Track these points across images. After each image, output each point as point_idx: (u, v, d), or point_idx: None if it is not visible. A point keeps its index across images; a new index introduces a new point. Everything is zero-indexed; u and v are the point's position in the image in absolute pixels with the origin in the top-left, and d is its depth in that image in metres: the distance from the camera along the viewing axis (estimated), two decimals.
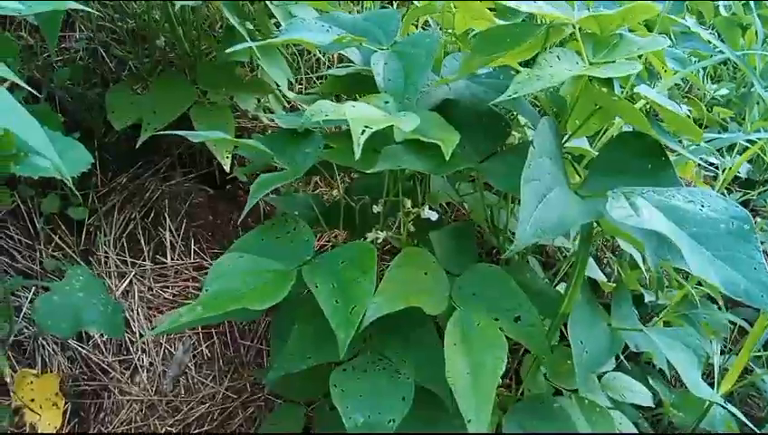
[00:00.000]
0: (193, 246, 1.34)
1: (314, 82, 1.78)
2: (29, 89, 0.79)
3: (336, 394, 0.78)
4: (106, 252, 1.23)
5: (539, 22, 0.92)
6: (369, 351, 0.85)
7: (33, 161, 0.76)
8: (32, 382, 0.94)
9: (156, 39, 1.35)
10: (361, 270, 0.79)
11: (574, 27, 0.79)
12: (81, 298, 0.88)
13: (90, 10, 0.88)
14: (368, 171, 0.77)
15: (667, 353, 0.80)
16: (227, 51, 0.88)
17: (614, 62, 0.77)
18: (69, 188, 1.22)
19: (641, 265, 1.27)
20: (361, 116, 0.74)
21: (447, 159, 0.74)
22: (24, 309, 1.05)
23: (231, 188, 1.47)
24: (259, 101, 1.47)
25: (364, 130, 0.70)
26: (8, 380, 0.86)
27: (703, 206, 0.73)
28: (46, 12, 0.91)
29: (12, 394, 0.87)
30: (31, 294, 1.08)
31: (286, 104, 1.53)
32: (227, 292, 0.77)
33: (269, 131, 1.62)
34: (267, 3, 1.30)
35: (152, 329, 1.14)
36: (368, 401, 0.77)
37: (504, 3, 0.78)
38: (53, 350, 1.03)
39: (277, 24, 1.51)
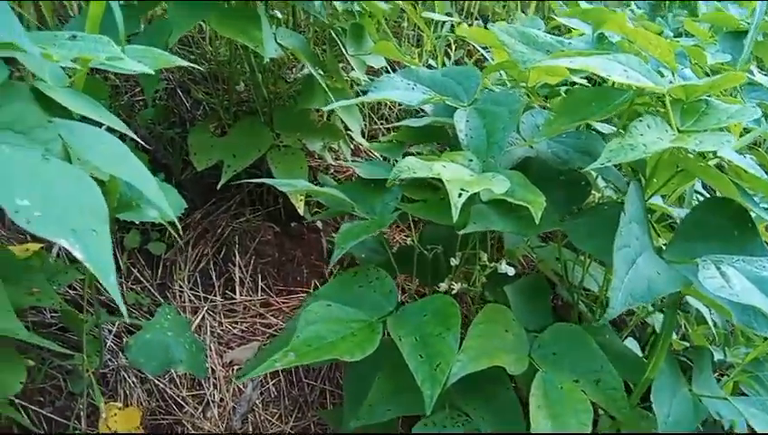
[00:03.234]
0: (260, 283, 1.38)
1: (375, 122, 1.83)
2: (132, 135, 0.83)
3: None
4: (181, 286, 1.28)
5: (620, 85, 0.94)
6: (447, 405, 0.86)
7: (143, 211, 0.81)
8: (116, 415, 0.98)
9: (236, 84, 1.42)
10: (445, 326, 0.81)
11: (663, 96, 0.80)
12: (170, 337, 0.92)
13: (189, 64, 0.93)
14: (460, 232, 0.79)
15: (755, 425, 0.79)
16: (326, 108, 0.92)
17: (704, 131, 0.78)
18: (156, 227, 1.28)
19: (709, 320, 1.25)
20: (456, 178, 0.76)
21: (537, 222, 0.76)
22: (109, 342, 1.10)
23: (296, 226, 1.51)
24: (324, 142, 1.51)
25: (461, 193, 0.72)
26: (103, 415, 0.90)
27: None
28: None
29: (102, 427, 0.91)
30: (115, 328, 1.13)
31: (352, 147, 1.58)
32: (317, 339, 0.80)
33: (331, 170, 1.67)
34: (343, 51, 1.36)
35: (227, 364, 1.18)
36: None
37: (593, 71, 0.80)
38: (133, 383, 1.08)
39: (345, 69, 1.57)
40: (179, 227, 0.81)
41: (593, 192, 0.97)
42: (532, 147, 0.97)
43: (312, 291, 1.42)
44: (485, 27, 2.31)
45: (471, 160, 0.88)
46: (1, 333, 0.71)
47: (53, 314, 1.10)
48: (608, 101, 0.85)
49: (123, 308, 0.57)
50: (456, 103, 0.99)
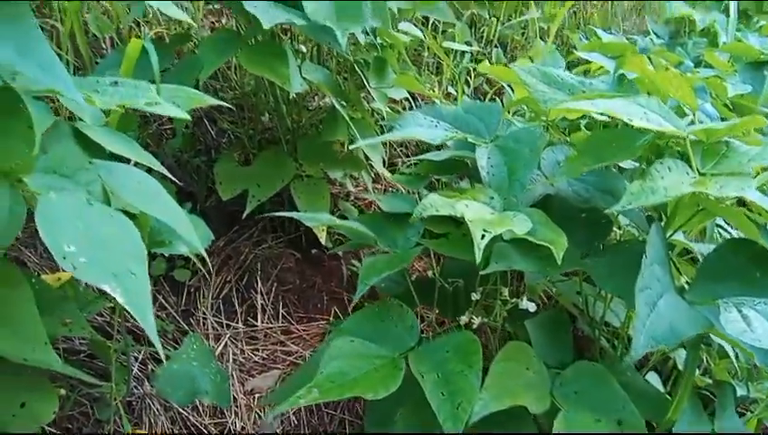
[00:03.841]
0: (281, 310, 1.40)
1: (395, 149, 1.85)
2: (164, 171, 0.86)
3: None
4: (204, 314, 1.31)
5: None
6: None
7: (173, 245, 0.83)
8: None
9: (261, 115, 1.46)
10: (467, 363, 0.82)
11: (684, 138, 0.81)
12: (195, 367, 0.95)
13: (219, 102, 0.97)
14: (481, 272, 0.81)
15: None
16: (351, 147, 0.95)
17: (725, 174, 0.79)
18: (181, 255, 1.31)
19: (731, 355, 1.24)
20: (478, 218, 0.78)
21: (559, 263, 0.77)
22: (134, 370, 1.12)
23: (317, 253, 1.54)
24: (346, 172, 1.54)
25: (484, 235, 0.74)
26: None
27: None
28: None
29: None
30: (141, 355, 1.15)
31: (373, 175, 1.61)
32: (340, 376, 0.81)
33: (352, 197, 1.69)
34: (366, 83, 1.39)
35: (248, 392, 1.20)
36: None
37: (614, 114, 0.82)
38: (158, 411, 1.10)
39: (366, 98, 1.60)
40: (207, 257, 0.83)
41: (615, 229, 0.98)
42: (552, 184, 0.99)
43: (331, 319, 1.44)
44: (504, 54, 2.33)
45: (492, 198, 0.90)
46: (38, 365, 0.73)
47: (82, 341, 1.13)
48: (629, 142, 0.86)
49: (158, 344, 0.59)
50: (477, 141, 1.01)
